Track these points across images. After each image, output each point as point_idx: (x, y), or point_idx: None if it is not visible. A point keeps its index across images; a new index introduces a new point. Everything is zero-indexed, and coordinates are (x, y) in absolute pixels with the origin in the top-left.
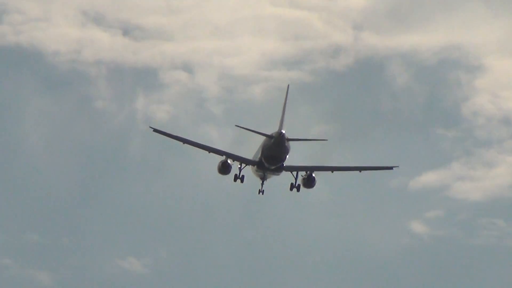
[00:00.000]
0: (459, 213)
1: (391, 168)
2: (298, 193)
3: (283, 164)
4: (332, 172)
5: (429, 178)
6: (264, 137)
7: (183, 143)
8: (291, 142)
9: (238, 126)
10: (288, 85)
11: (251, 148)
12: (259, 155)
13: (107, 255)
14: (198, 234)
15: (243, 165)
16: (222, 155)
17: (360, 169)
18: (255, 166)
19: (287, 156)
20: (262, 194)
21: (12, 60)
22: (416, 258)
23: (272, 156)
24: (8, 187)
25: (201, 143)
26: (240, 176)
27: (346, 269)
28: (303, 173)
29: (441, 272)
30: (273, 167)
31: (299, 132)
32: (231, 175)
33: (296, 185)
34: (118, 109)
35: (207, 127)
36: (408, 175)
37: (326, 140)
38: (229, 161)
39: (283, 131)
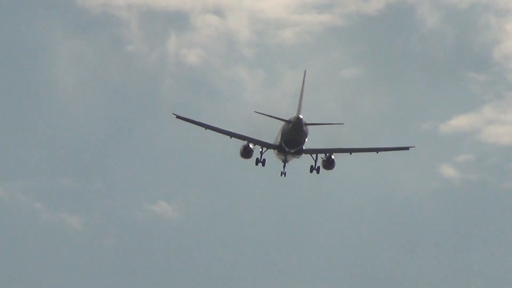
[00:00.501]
0: (490, 157)
1: (407, 148)
2: (318, 174)
3: (302, 147)
4: (351, 153)
5: (460, 122)
6: (283, 122)
7: (206, 129)
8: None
9: (257, 112)
10: (305, 71)
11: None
12: (279, 139)
13: (138, 200)
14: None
15: (264, 149)
16: (244, 140)
17: (377, 150)
18: (276, 150)
19: (306, 140)
20: (285, 176)
21: (45, 4)
22: (447, 202)
23: (291, 140)
24: (40, 130)
25: (223, 128)
26: (262, 160)
27: (377, 213)
28: (323, 155)
29: (472, 216)
30: (293, 151)
31: (328, 76)
32: (253, 159)
33: (316, 167)
34: (149, 52)
35: (238, 70)
36: (438, 119)
37: (343, 123)
38: (250, 145)
39: (301, 116)
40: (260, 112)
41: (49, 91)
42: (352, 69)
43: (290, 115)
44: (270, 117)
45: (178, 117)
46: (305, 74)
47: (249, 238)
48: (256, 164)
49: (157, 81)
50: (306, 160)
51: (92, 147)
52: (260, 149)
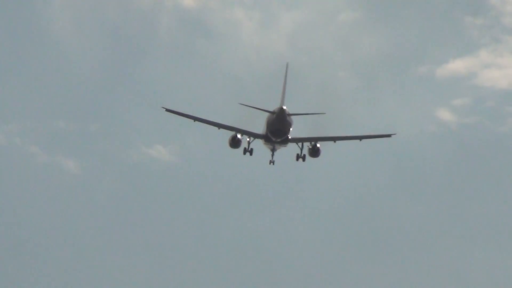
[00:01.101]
0: (486, 101)
1: (389, 135)
2: (304, 162)
3: (288, 137)
4: (335, 142)
5: (457, 65)
6: (267, 113)
7: (194, 121)
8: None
9: (241, 104)
10: (287, 63)
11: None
12: (265, 130)
13: (134, 143)
14: None
15: (252, 138)
16: (232, 130)
17: (360, 137)
18: (263, 140)
19: (291, 129)
20: (273, 164)
21: None
22: (443, 146)
23: (276, 130)
24: (35, 72)
25: (211, 120)
26: (249, 149)
27: (374, 157)
28: (309, 143)
29: (468, 160)
30: (279, 140)
31: (325, 19)
32: (241, 149)
33: (302, 155)
34: None
35: (235, 12)
36: (435, 62)
37: (324, 113)
38: (238, 136)
39: (284, 107)
40: (245, 104)
41: (45, 33)
42: (349, 13)
43: (286, 59)
44: (254, 108)
45: (167, 110)
46: (287, 66)
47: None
48: (244, 153)
49: (154, 21)
50: (293, 149)
51: (88, 89)
52: (248, 139)
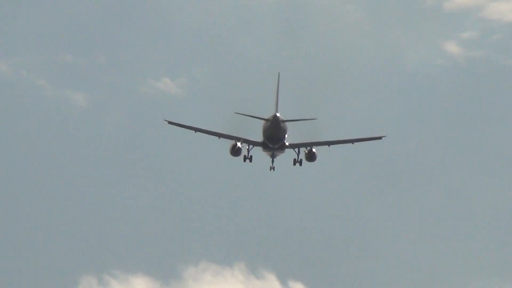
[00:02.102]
0: (494, 33)
1: (380, 138)
2: (301, 166)
3: (285, 143)
4: (329, 146)
5: None
6: (263, 121)
7: (196, 132)
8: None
9: (237, 113)
10: (279, 73)
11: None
12: (262, 137)
13: (141, 76)
14: None
15: (251, 146)
16: (232, 139)
17: (352, 141)
18: (261, 147)
19: (286, 135)
20: (273, 170)
21: None
22: (451, 79)
23: (272, 136)
24: (42, 4)
25: (212, 130)
26: (249, 156)
27: (384, 88)
28: (305, 149)
29: (475, 93)
30: (276, 146)
31: None
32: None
33: (299, 160)
34: None
35: None
36: None
37: (315, 119)
38: (238, 144)
39: (278, 114)
40: (241, 113)
41: None
42: None
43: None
44: (251, 117)
45: (170, 123)
46: (279, 76)
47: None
48: (244, 160)
49: None
50: (290, 154)
51: (96, 22)
52: (247, 147)
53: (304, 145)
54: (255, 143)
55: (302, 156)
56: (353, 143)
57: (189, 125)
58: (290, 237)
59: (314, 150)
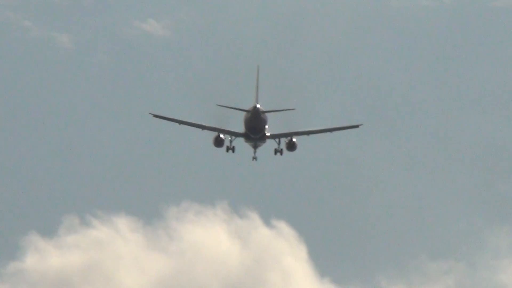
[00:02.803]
0: None
1: (357, 126)
2: (282, 156)
3: (265, 133)
4: (308, 135)
5: None
6: (244, 112)
7: (180, 124)
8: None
9: (219, 105)
10: (258, 66)
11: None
12: (244, 128)
13: (127, 17)
14: None
15: (233, 137)
16: (215, 131)
17: (331, 130)
18: (243, 138)
19: (267, 126)
20: (256, 160)
21: None
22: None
23: (252, 127)
24: None
25: (195, 123)
26: (232, 147)
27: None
28: (285, 139)
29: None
30: (258, 136)
31: None
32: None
33: (280, 149)
34: None
35: None
36: None
37: (294, 109)
38: (221, 136)
39: (258, 105)
40: (222, 105)
41: None
42: None
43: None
44: (232, 109)
45: (155, 116)
46: (258, 69)
47: None
48: (227, 151)
49: None
50: (271, 144)
51: None
52: (229, 138)
53: (285, 135)
54: (237, 134)
55: (283, 145)
56: (331, 132)
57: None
58: (272, 179)
59: (294, 140)
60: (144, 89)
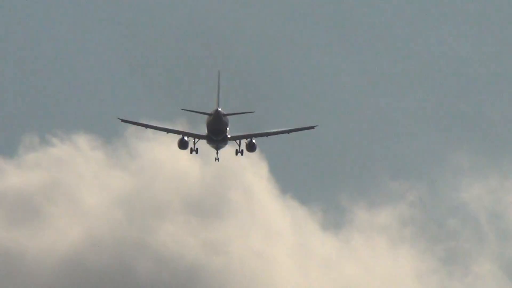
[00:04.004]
0: None
1: (312, 127)
2: (242, 156)
3: (227, 135)
4: (267, 136)
5: None
6: (206, 115)
7: (146, 128)
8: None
9: (183, 109)
10: (219, 71)
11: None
12: (206, 131)
13: None
14: None
15: (196, 140)
16: (179, 134)
17: (288, 131)
18: (206, 140)
19: (228, 128)
20: (218, 161)
21: None
22: None
23: (214, 129)
24: None
25: (161, 126)
26: (195, 149)
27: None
28: (245, 140)
29: None
30: (219, 138)
31: None
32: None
33: (240, 150)
34: None
35: None
36: None
37: (253, 112)
38: (185, 138)
39: (219, 109)
40: (186, 109)
41: None
42: None
43: None
44: (195, 113)
45: (123, 120)
46: (219, 74)
47: None
48: (191, 152)
49: None
50: (232, 146)
51: None
52: (193, 140)
53: (245, 136)
54: (200, 137)
55: (243, 146)
56: (288, 133)
57: None
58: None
59: (254, 141)
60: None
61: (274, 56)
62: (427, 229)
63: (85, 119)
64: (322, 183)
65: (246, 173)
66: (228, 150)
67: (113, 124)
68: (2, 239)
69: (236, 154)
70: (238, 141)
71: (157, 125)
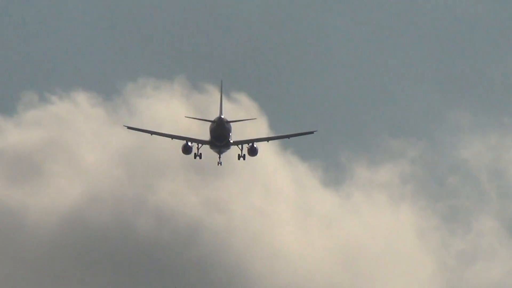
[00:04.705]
0: None
1: (312, 132)
2: (244, 160)
3: (229, 141)
4: (268, 141)
5: None
6: (209, 122)
7: (151, 134)
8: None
9: (187, 117)
10: (221, 80)
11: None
12: (210, 137)
13: None
14: None
15: (200, 145)
16: (183, 140)
17: (288, 136)
18: (209, 145)
19: (231, 134)
20: (221, 165)
21: None
22: None
23: (218, 135)
24: None
25: (166, 133)
26: (199, 154)
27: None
28: (247, 145)
29: None
30: (222, 144)
31: None
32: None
33: (242, 155)
34: None
35: None
36: None
37: (255, 118)
38: (189, 144)
39: (222, 116)
40: (190, 117)
41: None
42: None
43: None
44: (199, 120)
45: (129, 128)
46: (221, 83)
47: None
48: (195, 158)
49: None
50: (235, 150)
51: None
52: (197, 146)
53: (247, 141)
54: (203, 142)
55: (245, 151)
56: (289, 138)
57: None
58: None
59: (255, 145)
60: None
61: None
62: (427, 187)
63: (84, 76)
64: (322, 139)
65: (247, 130)
66: (230, 155)
67: (112, 81)
68: (1, 197)
69: (239, 159)
70: (240, 146)
71: (162, 132)
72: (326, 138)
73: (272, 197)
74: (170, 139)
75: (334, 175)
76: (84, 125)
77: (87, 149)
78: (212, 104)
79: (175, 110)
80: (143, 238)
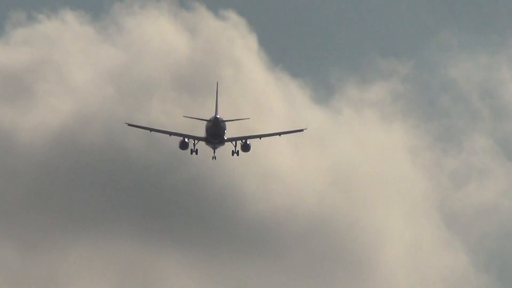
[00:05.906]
0: None
1: (301, 130)
2: (238, 156)
3: (224, 138)
4: (260, 138)
5: None
6: (205, 121)
7: (150, 131)
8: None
9: (185, 116)
10: (217, 82)
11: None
12: (205, 134)
13: None
14: None
15: (196, 141)
16: (180, 136)
17: (279, 134)
18: (205, 142)
19: (226, 131)
20: (215, 159)
21: None
22: None
23: (213, 133)
24: None
25: (164, 130)
26: (195, 149)
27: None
28: (241, 141)
29: None
30: (217, 141)
31: None
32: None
33: (236, 151)
34: None
35: None
36: None
37: (248, 118)
38: (186, 140)
39: (218, 116)
40: (188, 116)
41: None
42: None
43: None
44: (196, 119)
45: (129, 125)
46: (217, 85)
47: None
48: (191, 153)
49: None
50: (229, 146)
51: None
52: (193, 142)
53: (240, 138)
54: (199, 139)
55: (238, 147)
56: (280, 136)
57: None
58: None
59: (248, 142)
60: None
61: None
62: (417, 105)
63: None
64: (312, 56)
65: (236, 47)
66: (224, 151)
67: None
68: None
69: (232, 155)
70: (234, 142)
71: (161, 129)
72: (315, 54)
73: (261, 114)
74: (168, 135)
75: (324, 92)
76: (73, 43)
77: (76, 67)
78: (201, 21)
79: (163, 28)
80: (132, 157)
